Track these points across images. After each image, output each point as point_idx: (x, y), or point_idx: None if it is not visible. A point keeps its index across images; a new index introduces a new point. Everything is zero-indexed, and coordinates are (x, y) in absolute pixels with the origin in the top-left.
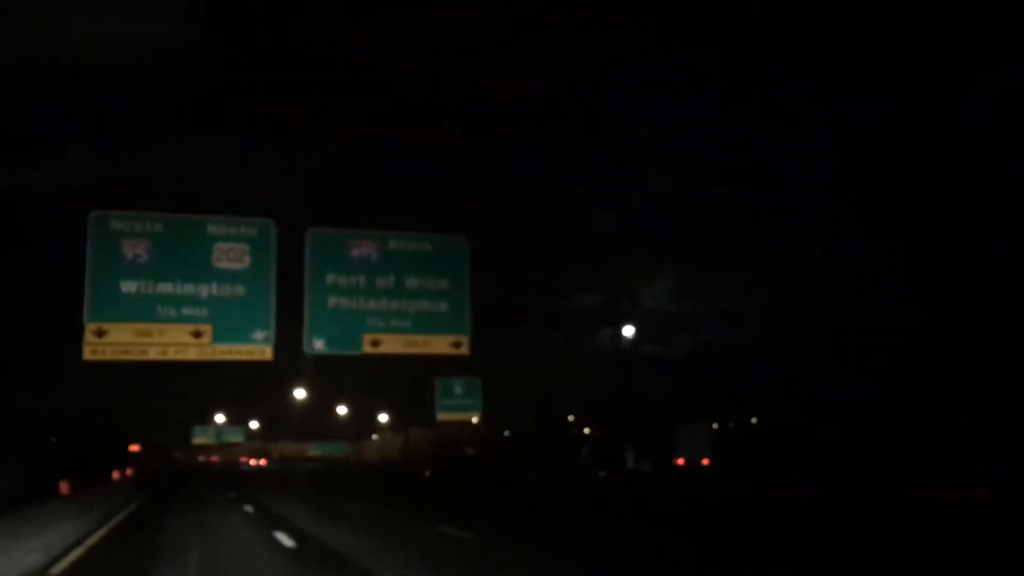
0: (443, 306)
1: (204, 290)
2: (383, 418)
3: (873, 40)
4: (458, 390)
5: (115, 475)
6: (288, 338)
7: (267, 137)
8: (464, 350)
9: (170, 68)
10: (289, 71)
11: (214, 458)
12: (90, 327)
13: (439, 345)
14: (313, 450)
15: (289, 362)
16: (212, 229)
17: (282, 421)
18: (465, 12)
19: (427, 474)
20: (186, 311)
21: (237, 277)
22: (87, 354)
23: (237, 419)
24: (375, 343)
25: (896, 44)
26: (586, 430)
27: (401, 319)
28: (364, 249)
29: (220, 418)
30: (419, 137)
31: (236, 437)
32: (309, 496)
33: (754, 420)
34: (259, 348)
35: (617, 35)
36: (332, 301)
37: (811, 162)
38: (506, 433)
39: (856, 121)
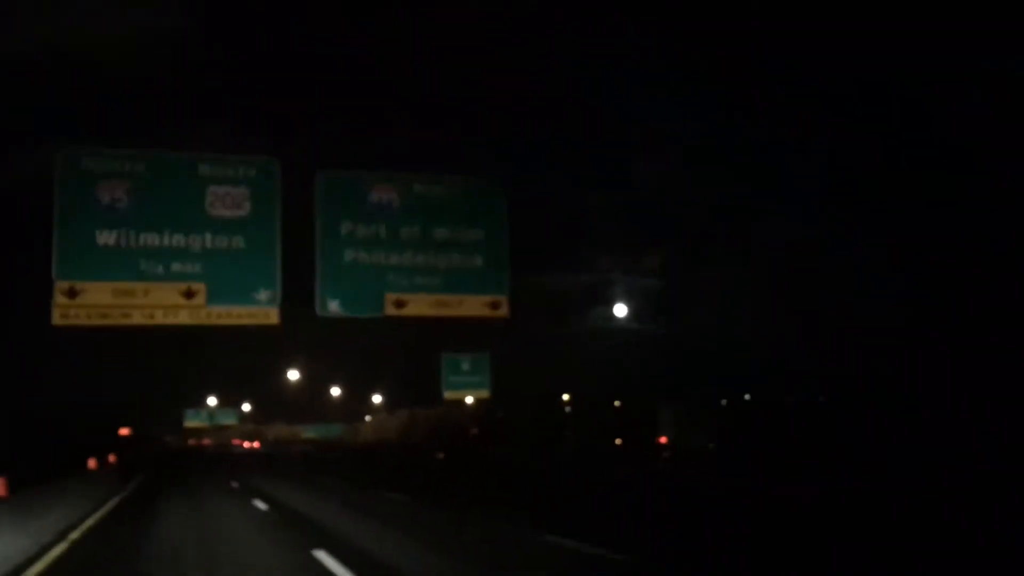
0: (478, 261)
1: (196, 242)
2: (377, 399)
3: (873, 40)
4: (465, 366)
5: (91, 463)
6: (296, 300)
7: (266, 136)
8: (503, 312)
9: (168, 67)
10: (288, 71)
11: (206, 441)
12: (60, 286)
13: (473, 306)
14: (307, 432)
15: (296, 329)
16: (205, 170)
17: (275, 403)
18: (465, 12)
19: (440, 456)
20: (175, 267)
21: (236, 226)
22: (57, 318)
23: (229, 401)
24: (399, 304)
25: (896, 44)
26: (565, 398)
27: (429, 276)
28: (384, 194)
29: (212, 401)
30: (419, 137)
31: (229, 420)
32: (327, 486)
33: (747, 397)
34: (263, 310)
35: (617, 35)
36: (349, 255)
37: (810, 160)
38: (499, 414)
39: (856, 121)
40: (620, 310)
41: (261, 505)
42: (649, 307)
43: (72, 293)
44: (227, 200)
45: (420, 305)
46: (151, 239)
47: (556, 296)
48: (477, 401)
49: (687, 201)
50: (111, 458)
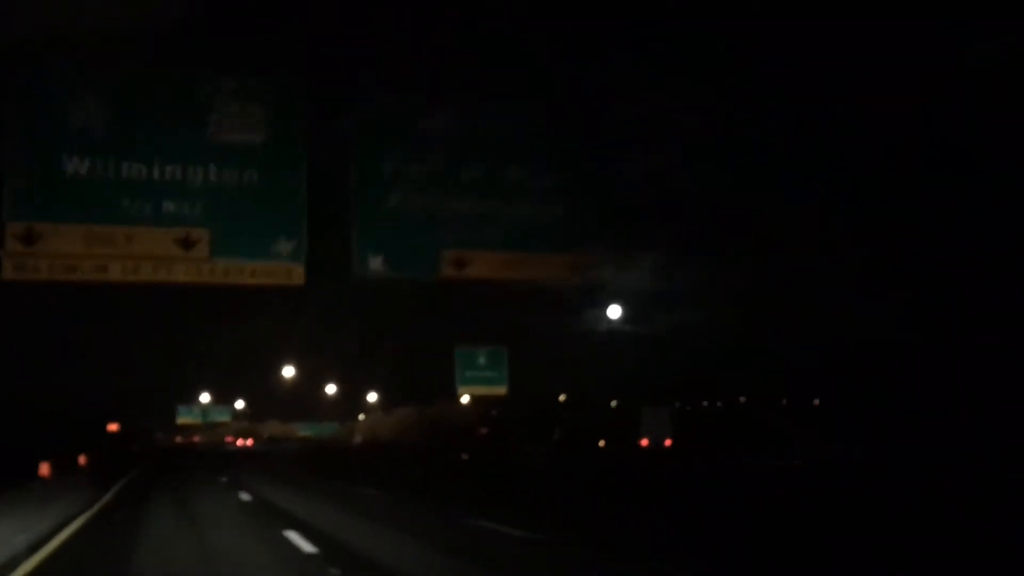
0: (557, 210)
1: (197, 175)
2: (372, 397)
3: (873, 39)
4: (481, 360)
5: (44, 470)
6: (324, 255)
7: None
8: (586, 275)
9: (167, 60)
10: (288, 70)
11: (195, 438)
12: (13, 229)
13: (552, 267)
14: (302, 430)
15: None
16: (208, 83)
17: (269, 400)
18: (464, 12)
19: (464, 457)
20: (169, 206)
21: (249, 157)
22: (8, 271)
23: (223, 398)
24: (459, 263)
25: (896, 44)
26: (561, 396)
27: (496, 228)
28: (440, 123)
29: (205, 397)
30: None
31: (222, 417)
32: (356, 501)
33: (743, 399)
34: (284, 266)
35: (613, 32)
36: (394, 199)
37: (809, 159)
38: (493, 412)
39: (855, 121)
40: (614, 311)
41: (305, 545)
42: (646, 308)
43: (29, 238)
44: (239, 123)
45: (485, 265)
46: (136, 170)
47: (557, 295)
48: (473, 398)
49: (684, 199)
50: (81, 460)
